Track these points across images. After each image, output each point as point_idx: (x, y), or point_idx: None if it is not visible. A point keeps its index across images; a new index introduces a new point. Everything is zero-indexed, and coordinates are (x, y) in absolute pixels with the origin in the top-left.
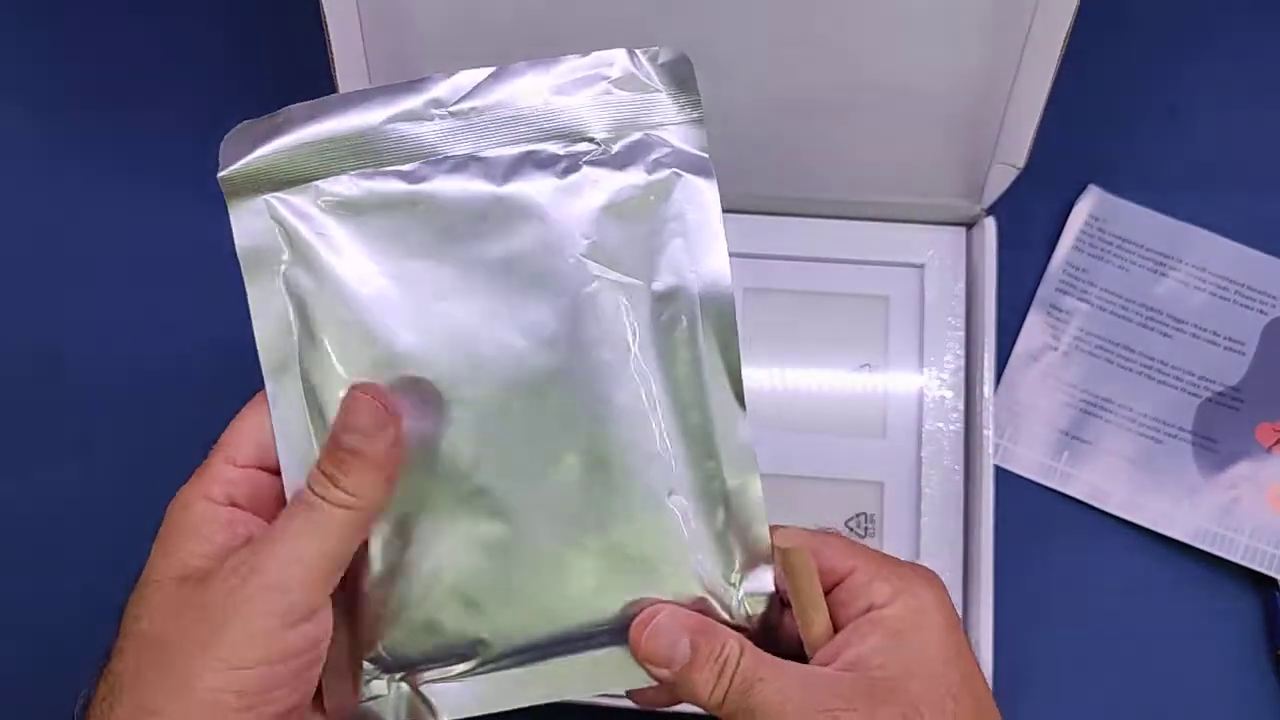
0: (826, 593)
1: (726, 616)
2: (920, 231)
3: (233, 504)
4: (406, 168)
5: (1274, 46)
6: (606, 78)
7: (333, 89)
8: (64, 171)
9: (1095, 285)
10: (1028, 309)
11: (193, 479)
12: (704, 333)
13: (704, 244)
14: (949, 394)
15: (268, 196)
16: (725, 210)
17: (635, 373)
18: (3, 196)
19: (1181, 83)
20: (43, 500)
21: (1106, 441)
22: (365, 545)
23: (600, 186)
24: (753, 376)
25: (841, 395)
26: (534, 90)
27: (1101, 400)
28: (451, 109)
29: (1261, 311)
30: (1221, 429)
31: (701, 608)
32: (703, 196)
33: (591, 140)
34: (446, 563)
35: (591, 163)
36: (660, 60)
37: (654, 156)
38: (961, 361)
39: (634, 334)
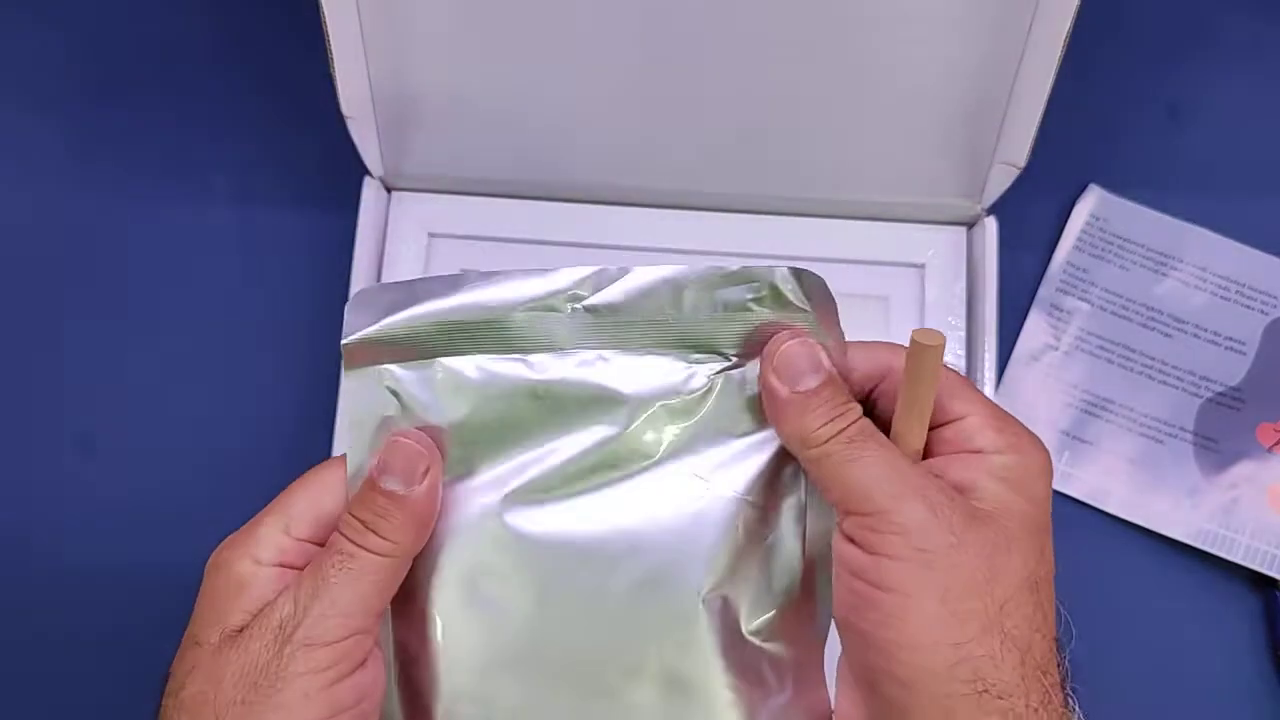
0: (933, 428)
1: None
2: (920, 231)
3: (281, 565)
4: (532, 358)
5: (1275, 45)
6: (748, 294)
7: (332, 89)
8: (62, 171)
9: (1096, 285)
10: (1028, 309)
11: (237, 538)
12: (806, 559)
13: None
14: None
15: (386, 367)
16: (725, 210)
17: (727, 596)
18: (2, 195)
19: (1181, 82)
20: (40, 502)
21: (1107, 441)
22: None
23: (725, 403)
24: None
25: None
26: (670, 295)
27: (1102, 400)
28: (586, 305)
29: (1262, 312)
30: (1222, 429)
31: None
32: None
33: (722, 354)
34: None
35: (720, 377)
36: (806, 280)
37: None
38: (962, 362)
39: (738, 556)
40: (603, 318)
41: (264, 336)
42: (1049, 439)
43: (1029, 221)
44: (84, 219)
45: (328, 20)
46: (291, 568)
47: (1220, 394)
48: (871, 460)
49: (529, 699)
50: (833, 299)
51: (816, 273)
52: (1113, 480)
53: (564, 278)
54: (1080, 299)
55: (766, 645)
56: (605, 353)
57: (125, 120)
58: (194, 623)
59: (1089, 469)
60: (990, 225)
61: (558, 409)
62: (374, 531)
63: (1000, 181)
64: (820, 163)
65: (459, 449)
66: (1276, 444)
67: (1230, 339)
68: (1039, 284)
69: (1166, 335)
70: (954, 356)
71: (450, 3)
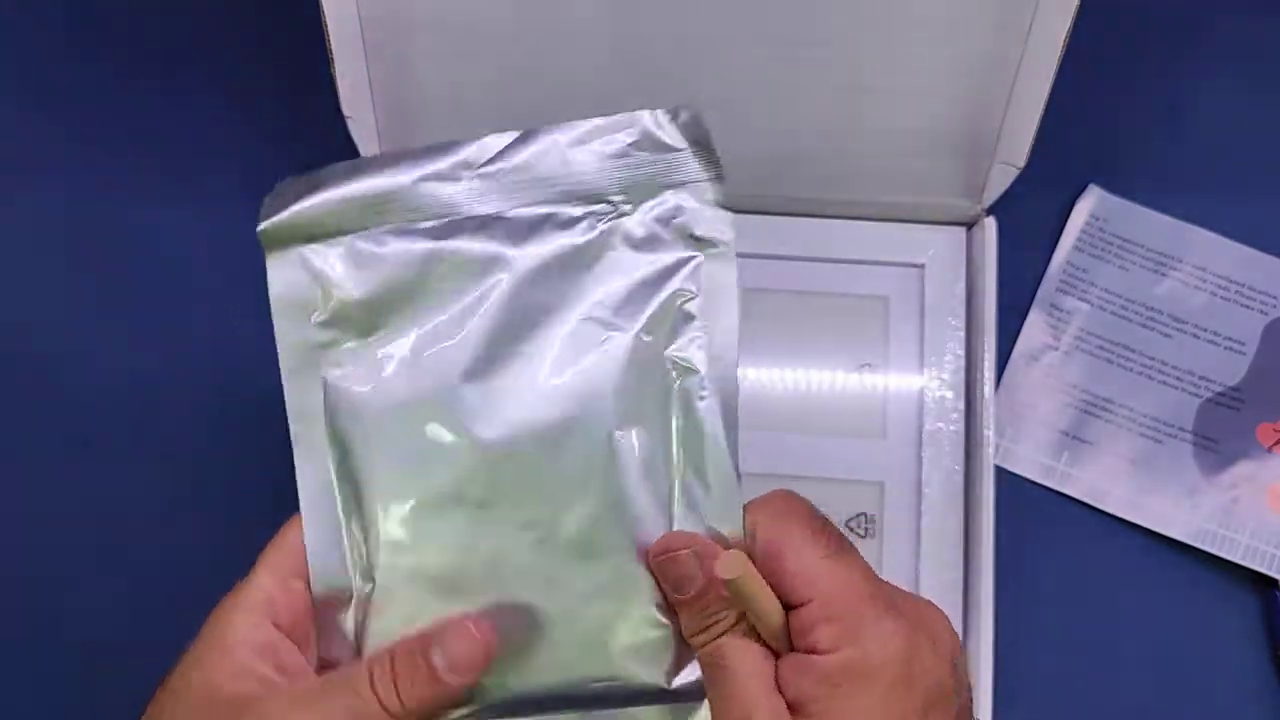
0: (790, 607)
1: None
2: (920, 231)
3: (274, 624)
4: (433, 225)
5: (1274, 45)
6: (627, 139)
7: (332, 88)
8: (62, 170)
9: (1096, 285)
10: (1028, 309)
11: (234, 590)
12: (709, 399)
13: (717, 308)
14: (949, 394)
15: (302, 249)
16: (724, 210)
17: (637, 432)
18: (1, 195)
19: (1182, 81)
20: (40, 502)
21: (1107, 441)
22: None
23: (617, 248)
24: (753, 377)
25: (841, 395)
26: (556, 153)
27: (1102, 400)
28: (479, 171)
29: (1262, 312)
30: (1222, 429)
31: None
32: (720, 256)
33: (610, 202)
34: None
35: (610, 223)
36: (680, 119)
37: (672, 217)
38: (961, 361)
39: (642, 392)
40: (495, 180)
41: (265, 336)
42: (1048, 439)
43: (1029, 221)
44: (84, 219)
45: (328, 20)
46: (279, 626)
47: (1220, 394)
48: (726, 678)
49: (459, 539)
50: (708, 136)
51: (691, 110)
52: (1112, 480)
53: (458, 148)
54: (1080, 299)
55: (687, 474)
56: (500, 212)
57: (126, 120)
58: (180, 671)
59: (1089, 469)
60: (990, 225)
61: (460, 271)
62: (399, 695)
63: (1000, 181)
64: (820, 162)
65: (372, 317)
66: (1276, 444)
67: (1230, 339)
68: (1039, 284)
69: (1166, 335)
70: (954, 357)
71: (450, 3)
